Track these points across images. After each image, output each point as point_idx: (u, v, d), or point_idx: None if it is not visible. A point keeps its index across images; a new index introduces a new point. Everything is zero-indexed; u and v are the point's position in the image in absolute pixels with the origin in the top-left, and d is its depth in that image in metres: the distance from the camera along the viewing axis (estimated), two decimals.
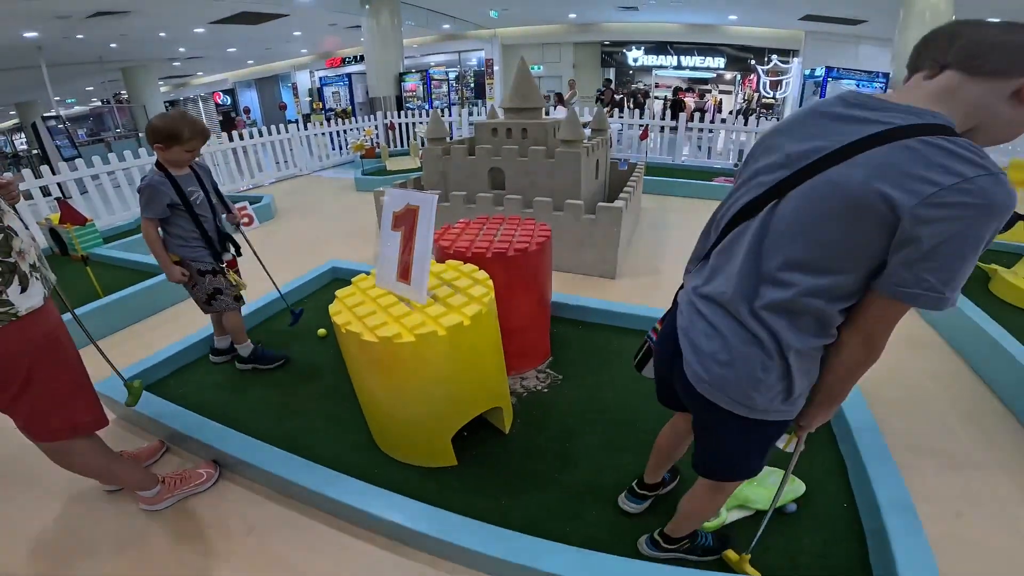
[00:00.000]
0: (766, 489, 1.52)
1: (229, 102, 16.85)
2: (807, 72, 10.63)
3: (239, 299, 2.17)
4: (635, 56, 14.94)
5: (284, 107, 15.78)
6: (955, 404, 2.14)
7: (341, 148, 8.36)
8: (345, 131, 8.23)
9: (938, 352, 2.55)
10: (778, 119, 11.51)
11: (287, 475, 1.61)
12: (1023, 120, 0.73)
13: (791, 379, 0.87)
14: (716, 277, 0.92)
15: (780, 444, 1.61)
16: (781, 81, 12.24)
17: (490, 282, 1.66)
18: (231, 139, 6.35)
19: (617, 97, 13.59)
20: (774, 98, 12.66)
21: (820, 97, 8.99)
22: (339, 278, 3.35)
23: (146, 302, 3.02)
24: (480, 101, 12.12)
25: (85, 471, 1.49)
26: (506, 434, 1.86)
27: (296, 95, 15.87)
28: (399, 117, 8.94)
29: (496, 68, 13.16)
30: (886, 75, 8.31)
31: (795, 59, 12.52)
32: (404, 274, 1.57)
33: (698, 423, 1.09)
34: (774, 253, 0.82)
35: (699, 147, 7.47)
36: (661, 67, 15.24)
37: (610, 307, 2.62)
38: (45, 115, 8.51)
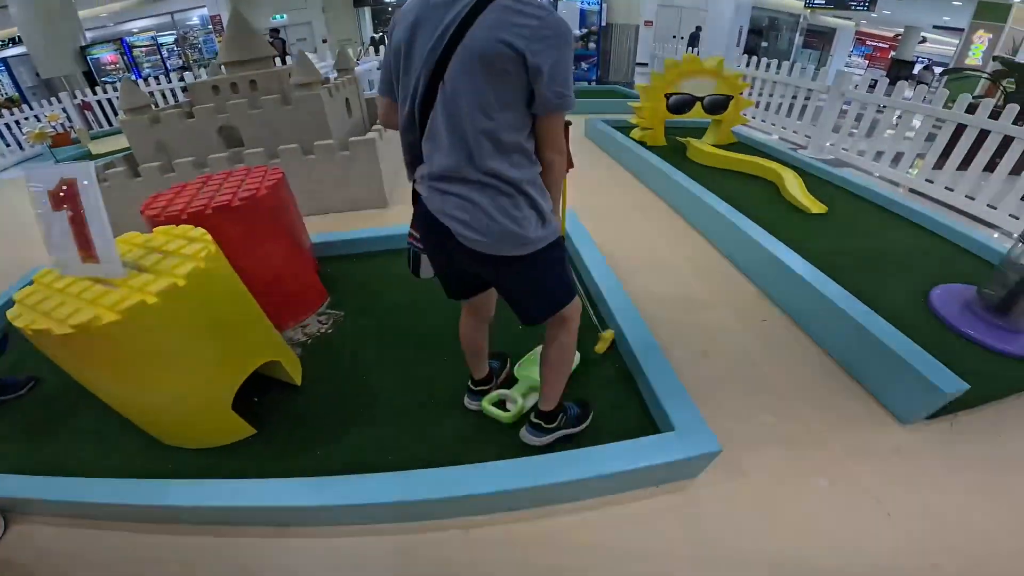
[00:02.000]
0: None
1: None
2: None
3: None
4: None
5: None
6: (682, 255, 2.65)
7: (17, 142, 6.35)
8: (17, 122, 6.21)
9: (663, 214, 3.17)
10: None
11: (74, 497, 1.41)
12: None
13: (537, 205, 1.04)
14: (435, 159, 1.03)
15: (596, 349, 1.86)
16: None
17: (208, 236, 1.52)
18: None
19: (376, 36, 12.84)
20: None
21: None
22: None
23: None
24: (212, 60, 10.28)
25: None
26: (299, 386, 1.81)
27: None
28: (96, 95, 7.12)
29: (226, 24, 11.05)
30: None
31: None
32: (88, 254, 1.33)
33: (502, 285, 1.19)
34: (461, 117, 0.96)
35: None
36: None
37: (377, 233, 2.63)
38: None
